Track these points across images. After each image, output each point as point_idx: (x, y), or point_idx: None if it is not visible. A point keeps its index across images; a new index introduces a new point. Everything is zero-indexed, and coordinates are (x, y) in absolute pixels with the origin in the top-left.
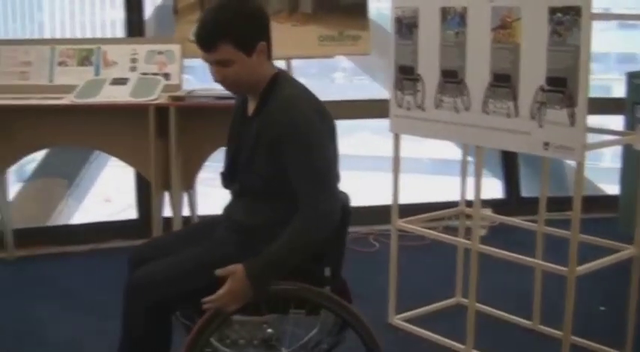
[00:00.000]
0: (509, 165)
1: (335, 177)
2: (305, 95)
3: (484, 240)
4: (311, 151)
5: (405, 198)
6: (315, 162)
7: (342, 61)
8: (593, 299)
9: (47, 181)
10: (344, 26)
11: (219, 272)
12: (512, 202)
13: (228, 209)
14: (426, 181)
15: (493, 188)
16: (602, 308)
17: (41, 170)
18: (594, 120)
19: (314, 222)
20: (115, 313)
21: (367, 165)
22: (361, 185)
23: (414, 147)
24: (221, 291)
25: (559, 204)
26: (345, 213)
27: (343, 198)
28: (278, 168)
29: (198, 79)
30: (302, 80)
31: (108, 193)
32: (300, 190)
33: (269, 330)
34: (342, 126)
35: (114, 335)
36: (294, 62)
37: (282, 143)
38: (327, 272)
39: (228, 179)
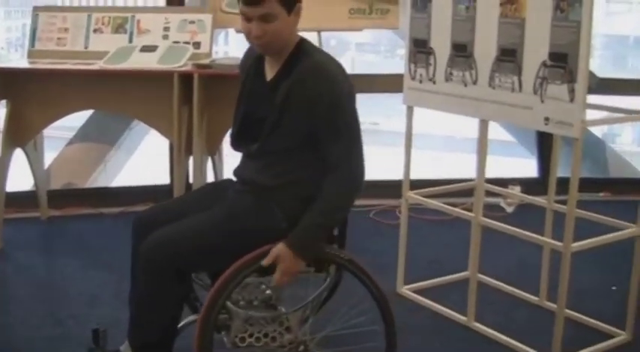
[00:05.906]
0: (544, 144)
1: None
2: (335, 62)
3: (508, 218)
4: (345, 114)
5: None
6: (350, 125)
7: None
8: (607, 279)
9: (86, 146)
10: None
11: (265, 262)
12: (546, 181)
13: (240, 170)
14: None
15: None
16: (614, 287)
17: (82, 135)
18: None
19: (349, 185)
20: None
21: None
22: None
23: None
24: (278, 276)
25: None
26: None
27: None
28: (308, 129)
29: None
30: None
31: None
32: (333, 152)
33: (267, 292)
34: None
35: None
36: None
37: (318, 105)
38: (336, 231)
39: (240, 140)
